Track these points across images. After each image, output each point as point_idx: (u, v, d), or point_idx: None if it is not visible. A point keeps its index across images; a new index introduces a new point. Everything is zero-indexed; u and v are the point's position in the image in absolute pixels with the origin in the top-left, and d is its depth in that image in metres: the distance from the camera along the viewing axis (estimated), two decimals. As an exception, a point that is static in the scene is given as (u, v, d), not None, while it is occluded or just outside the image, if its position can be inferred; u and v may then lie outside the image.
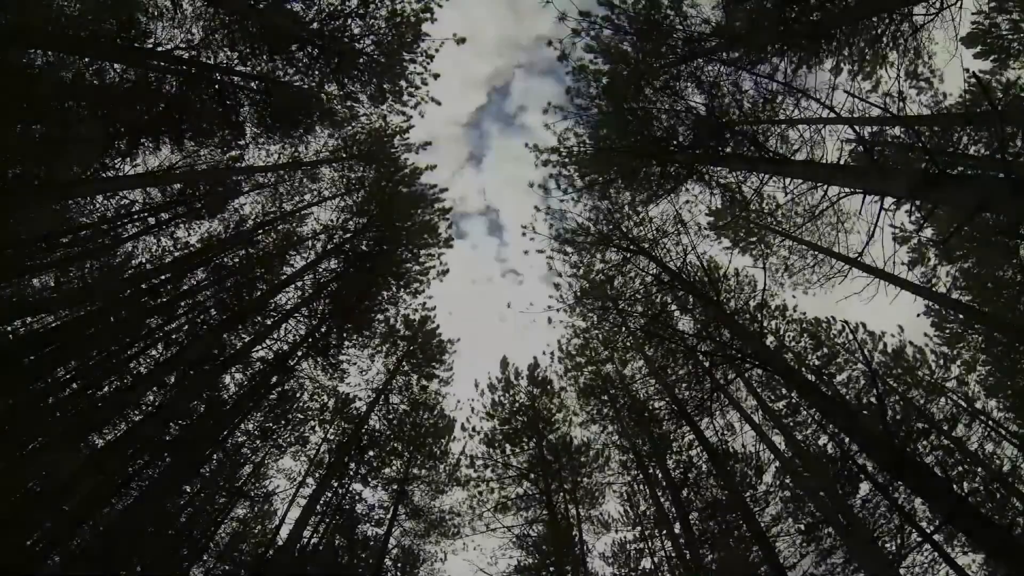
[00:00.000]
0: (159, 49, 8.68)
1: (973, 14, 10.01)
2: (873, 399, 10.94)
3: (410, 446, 14.58)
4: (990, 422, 12.02)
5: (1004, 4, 10.00)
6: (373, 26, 9.94)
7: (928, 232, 12.00)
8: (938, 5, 6.91)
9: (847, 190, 6.10)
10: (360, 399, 14.37)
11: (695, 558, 10.17)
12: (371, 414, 14.07)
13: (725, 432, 12.25)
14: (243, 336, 10.90)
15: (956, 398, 12.58)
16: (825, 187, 6.31)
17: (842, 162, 8.24)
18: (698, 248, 10.56)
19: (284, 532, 12.15)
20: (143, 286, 9.76)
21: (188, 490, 10.64)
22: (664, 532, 12.13)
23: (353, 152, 12.94)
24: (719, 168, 9.42)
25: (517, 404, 15.10)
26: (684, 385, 12.55)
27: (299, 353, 11.82)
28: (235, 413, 10.32)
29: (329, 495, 12.89)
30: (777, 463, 11.50)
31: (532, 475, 13.73)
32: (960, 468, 11.14)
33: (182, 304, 10.53)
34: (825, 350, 13.28)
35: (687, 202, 11.02)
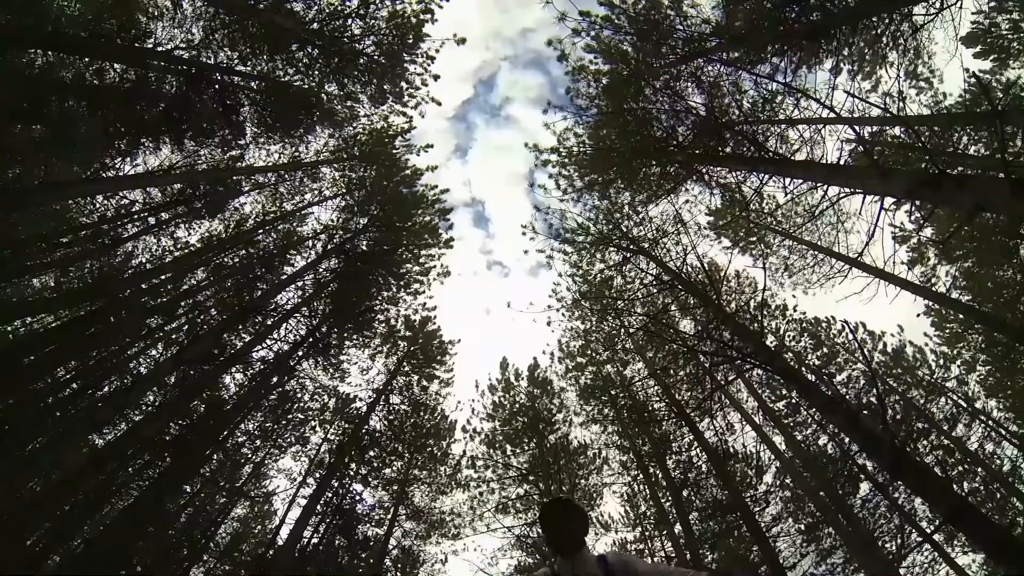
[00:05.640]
0: (159, 49, 8.68)
1: (973, 14, 10.02)
2: (873, 399, 10.93)
3: (411, 447, 14.57)
4: (990, 422, 12.03)
5: (1004, 4, 10.01)
6: (373, 27, 9.93)
7: (928, 232, 12.01)
8: (938, 5, 6.91)
9: (847, 190, 6.09)
10: (360, 399, 14.37)
11: (695, 558, 10.16)
12: (371, 414, 14.06)
13: (725, 432, 12.24)
14: (243, 336, 10.89)
15: (956, 398, 12.58)
16: (825, 187, 6.31)
17: (842, 162, 8.24)
18: (698, 248, 10.55)
19: (284, 532, 12.14)
20: (143, 286, 9.76)
21: (188, 490, 10.64)
22: (664, 532, 12.12)
23: (354, 152, 12.94)
24: (719, 168, 9.42)
25: (517, 405, 15.09)
26: (684, 386, 12.54)
27: (299, 353, 11.82)
28: (235, 413, 10.32)
29: (329, 495, 12.87)
30: (777, 463, 11.49)
31: (532, 476, 13.72)
32: (960, 468, 11.13)
33: (182, 304, 10.52)
34: (825, 350, 13.28)
35: (687, 202, 11.02)
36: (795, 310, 13.94)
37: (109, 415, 8.60)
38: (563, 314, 13.82)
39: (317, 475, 12.97)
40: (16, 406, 7.28)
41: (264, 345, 11.02)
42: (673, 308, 11.99)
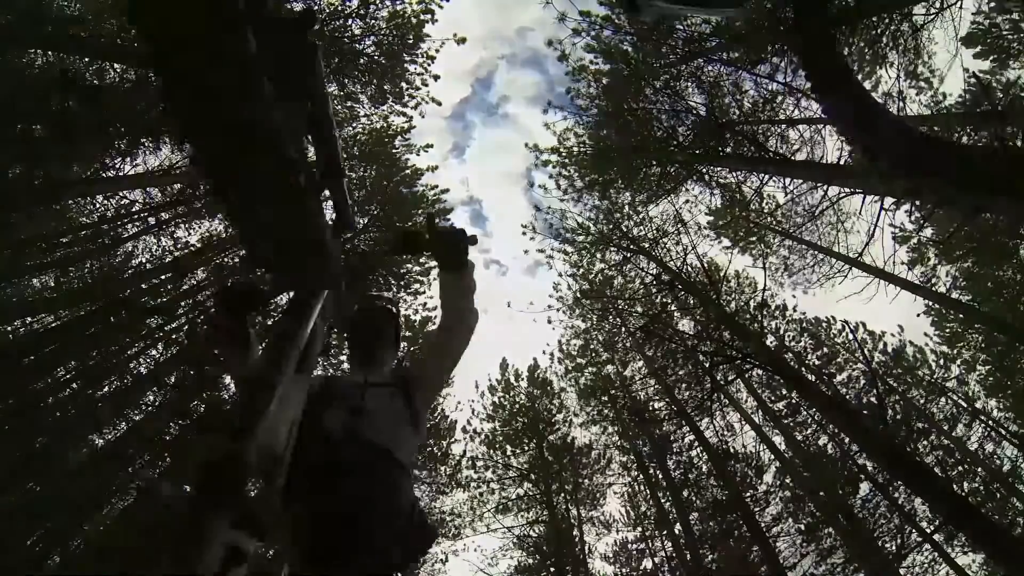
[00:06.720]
0: (159, 49, 8.67)
1: (973, 14, 10.00)
2: (873, 399, 10.94)
3: (410, 446, 14.56)
4: (990, 422, 12.03)
5: (1004, 4, 10.00)
6: (373, 27, 9.93)
7: (928, 232, 11.99)
8: (938, 5, 6.91)
9: (847, 190, 6.11)
10: (360, 399, 14.33)
11: (695, 558, 10.18)
12: (371, 414, 14.04)
13: (725, 432, 12.25)
14: (243, 336, 10.87)
15: (956, 398, 12.58)
16: (825, 187, 6.32)
17: (842, 162, 8.24)
18: (698, 248, 10.51)
19: (284, 532, 12.10)
20: (143, 286, 9.76)
21: (188, 490, 10.63)
22: (665, 532, 12.13)
23: (354, 152, 12.93)
24: (719, 168, 9.42)
25: (517, 405, 15.09)
26: (684, 385, 12.55)
27: (299, 353, 11.79)
28: (235, 413, 10.30)
29: (329, 495, 12.87)
30: (777, 463, 11.50)
31: (533, 476, 13.73)
32: (960, 468, 11.13)
33: (182, 304, 10.53)
34: (825, 350, 13.28)
35: (687, 202, 11.02)
36: (795, 310, 13.91)
37: (109, 415, 8.60)
38: (564, 313, 13.84)
39: (317, 475, 12.96)
40: (16, 406, 7.28)
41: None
42: (673, 308, 11.99)
